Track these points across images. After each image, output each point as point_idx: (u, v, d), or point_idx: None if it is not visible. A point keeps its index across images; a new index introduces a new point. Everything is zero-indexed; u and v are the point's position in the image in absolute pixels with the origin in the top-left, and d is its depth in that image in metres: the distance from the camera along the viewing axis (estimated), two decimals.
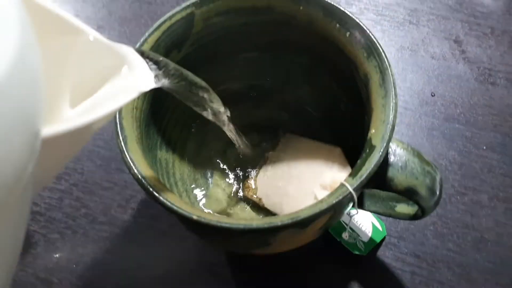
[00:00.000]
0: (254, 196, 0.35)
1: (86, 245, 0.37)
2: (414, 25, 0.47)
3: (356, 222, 0.36)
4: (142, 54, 0.21)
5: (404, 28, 0.47)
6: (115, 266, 0.36)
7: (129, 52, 0.20)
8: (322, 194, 0.29)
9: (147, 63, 0.22)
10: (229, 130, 0.30)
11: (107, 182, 0.40)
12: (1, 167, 0.12)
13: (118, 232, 0.38)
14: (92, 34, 0.20)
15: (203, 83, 0.26)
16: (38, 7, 0.17)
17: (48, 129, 0.15)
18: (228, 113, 0.28)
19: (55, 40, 0.18)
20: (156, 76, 0.22)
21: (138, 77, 0.20)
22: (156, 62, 0.23)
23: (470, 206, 0.38)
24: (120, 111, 0.27)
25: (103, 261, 0.36)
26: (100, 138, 0.42)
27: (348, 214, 0.37)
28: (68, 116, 0.19)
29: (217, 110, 0.27)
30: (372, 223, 0.36)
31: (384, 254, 0.36)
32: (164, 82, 0.23)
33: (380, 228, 0.36)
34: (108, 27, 0.48)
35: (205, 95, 0.26)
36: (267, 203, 0.34)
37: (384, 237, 0.36)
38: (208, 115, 0.27)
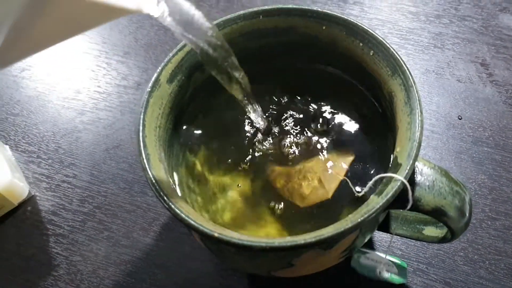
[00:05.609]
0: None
1: (107, 268, 0.37)
2: (439, 49, 0.47)
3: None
4: None
5: (428, 51, 0.47)
6: None
7: None
8: None
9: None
10: (248, 102, 0.29)
11: (130, 205, 0.40)
12: None
13: (139, 255, 0.37)
14: None
15: (227, 46, 0.26)
16: None
17: None
18: (246, 79, 0.28)
19: None
20: (163, 9, 0.22)
21: None
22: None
23: (502, 231, 0.36)
24: (143, 129, 0.27)
25: (124, 284, 0.36)
26: (125, 161, 0.42)
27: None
28: None
29: (236, 74, 0.27)
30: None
31: (412, 281, 0.35)
32: (169, 21, 0.22)
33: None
34: (134, 53, 0.49)
35: (228, 59, 0.26)
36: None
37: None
38: (224, 81, 0.27)
